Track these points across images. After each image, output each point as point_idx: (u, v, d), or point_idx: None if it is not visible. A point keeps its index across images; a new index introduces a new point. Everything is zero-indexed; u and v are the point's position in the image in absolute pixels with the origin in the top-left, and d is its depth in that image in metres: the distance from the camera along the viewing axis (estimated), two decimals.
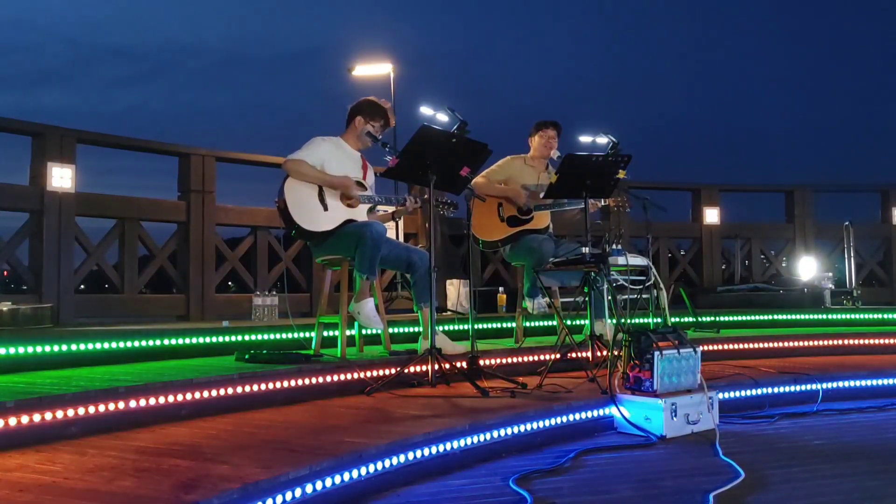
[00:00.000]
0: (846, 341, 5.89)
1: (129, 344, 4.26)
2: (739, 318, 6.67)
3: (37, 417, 2.83)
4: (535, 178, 5.23)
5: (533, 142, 5.37)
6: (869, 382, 4.80)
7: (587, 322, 4.68)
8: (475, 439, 3.13)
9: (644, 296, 4.58)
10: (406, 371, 4.06)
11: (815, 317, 6.93)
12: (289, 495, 2.33)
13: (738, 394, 4.38)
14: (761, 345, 5.66)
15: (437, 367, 4.01)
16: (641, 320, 4.67)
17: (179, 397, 3.31)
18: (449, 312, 6.38)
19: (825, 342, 5.86)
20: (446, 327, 5.12)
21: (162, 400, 3.25)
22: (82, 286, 6.25)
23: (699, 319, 6.34)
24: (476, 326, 4.51)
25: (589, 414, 3.71)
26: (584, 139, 5.76)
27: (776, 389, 4.53)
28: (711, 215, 8.74)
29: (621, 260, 4.39)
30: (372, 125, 4.51)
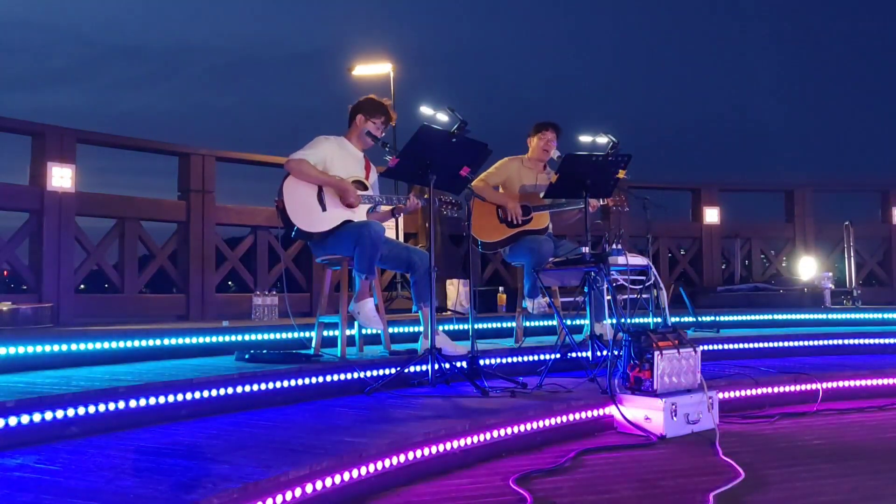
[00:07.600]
0: (846, 341, 5.89)
1: (129, 344, 4.26)
2: (739, 318, 6.67)
3: (37, 417, 2.83)
4: (532, 179, 5.23)
5: (531, 143, 5.36)
6: (869, 382, 4.80)
7: (587, 322, 4.67)
8: (475, 439, 3.13)
9: (644, 296, 4.57)
10: (406, 371, 4.06)
11: (815, 317, 6.92)
12: (289, 495, 2.33)
13: (738, 394, 4.39)
14: (761, 345, 5.66)
15: (437, 367, 4.01)
16: (641, 320, 4.67)
17: (179, 397, 3.31)
18: (449, 312, 6.37)
19: (825, 342, 5.86)
20: (446, 327, 5.12)
21: (162, 400, 3.25)
22: (82, 286, 6.24)
23: (699, 319, 6.34)
24: (476, 326, 4.50)
25: (589, 414, 3.71)
26: (584, 139, 5.77)
27: (776, 389, 4.53)
28: (711, 215, 8.73)
29: (621, 260, 4.39)
30: (373, 122, 4.52)
